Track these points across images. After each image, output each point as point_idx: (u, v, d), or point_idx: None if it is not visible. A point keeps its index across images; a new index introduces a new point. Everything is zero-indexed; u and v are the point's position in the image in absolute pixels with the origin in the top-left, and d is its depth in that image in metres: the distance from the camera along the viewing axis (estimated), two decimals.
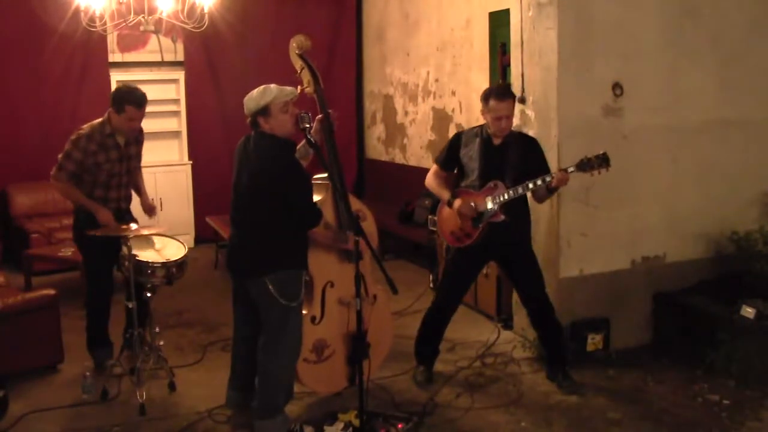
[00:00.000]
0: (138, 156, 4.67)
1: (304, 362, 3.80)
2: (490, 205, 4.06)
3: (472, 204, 4.07)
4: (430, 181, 4.34)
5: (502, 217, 4.07)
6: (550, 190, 4.05)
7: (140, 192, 4.75)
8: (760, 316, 4.30)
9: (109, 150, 4.42)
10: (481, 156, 4.13)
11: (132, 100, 4.35)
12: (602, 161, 3.95)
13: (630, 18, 4.68)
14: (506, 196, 4.03)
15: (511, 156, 4.11)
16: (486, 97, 4.08)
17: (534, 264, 4.27)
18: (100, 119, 4.46)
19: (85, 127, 4.44)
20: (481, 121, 4.22)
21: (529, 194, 4.13)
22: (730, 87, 5.00)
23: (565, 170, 3.98)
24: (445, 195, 4.22)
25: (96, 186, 4.44)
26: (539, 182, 3.98)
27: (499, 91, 4.12)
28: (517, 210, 4.15)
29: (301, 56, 3.99)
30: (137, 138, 4.63)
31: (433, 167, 4.37)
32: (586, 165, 3.97)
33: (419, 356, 4.45)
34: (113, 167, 4.45)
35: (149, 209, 4.66)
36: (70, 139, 4.39)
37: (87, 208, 4.42)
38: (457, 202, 4.11)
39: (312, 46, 4.01)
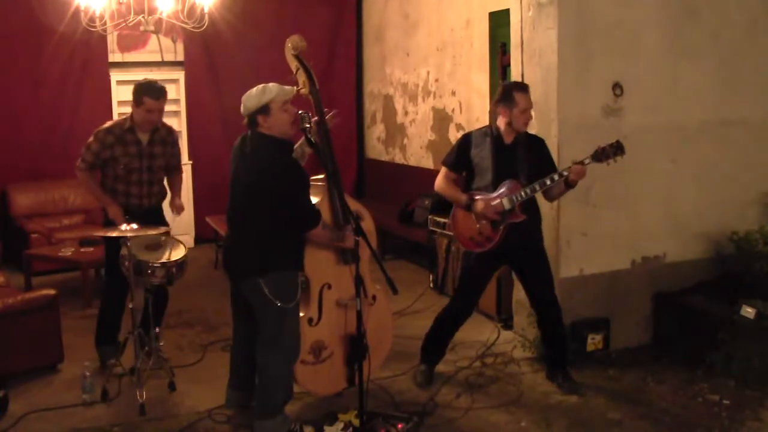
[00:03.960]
0: (165, 156, 4.67)
1: (302, 364, 3.80)
2: (507, 205, 4.02)
3: (494, 204, 4.03)
4: (442, 185, 4.24)
5: (523, 216, 4.04)
6: (568, 185, 4.02)
7: (174, 191, 4.85)
8: (760, 316, 4.30)
9: (128, 145, 4.48)
10: (494, 156, 4.10)
11: (149, 91, 4.43)
12: (617, 149, 3.96)
13: (630, 18, 4.68)
14: (523, 195, 4.00)
15: (522, 155, 4.09)
16: (508, 92, 4.05)
17: (546, 265, 4.25)
18: (125, 116, 4.59)
19: (110, 122, 4.61)
20: (482, 121, 4.22)
21: (539, 193, 4.12)
22: (730, 87, 5.00)
23: (582, 162, 3.96)
24: (463, 198, 4.14)
25: (117, 180, 4.54)
26: (556, 177, 3.97)
27: (519, 84, 4.17)
28: (531, 210, 4.14)
29: (296, 57, 3.98)
30: (164, 139, 4.65)
31: (443, 170, 4.27)
32: (601, 155, 3.96)
33: (425, 356, 4.43)
34: (131, 162, 4.50)
35: (176, 207, 4.76)
36: (93, 132, 4.53)
37: (100, 201, 4.58)
38: (480, 204, 4.05)
39: (309, 46, 4.01)
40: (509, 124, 4.08)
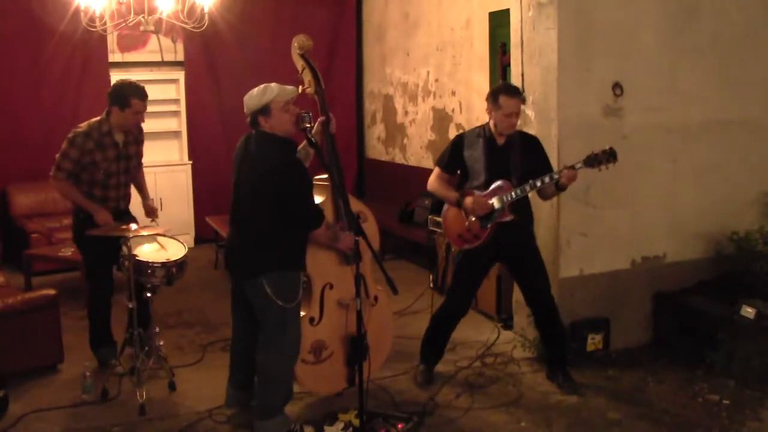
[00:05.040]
0: (138, 156, 4.67)
1: (302, 363, 3.80)
2: (497, 205, 4.03)
3: (484, 201, 4.04)
4: (434, 184, 4.26)
5: (511, 216, 4.05)
6: (559, 188, 4.04)
7: (142, 192, 4.76)
8: (760, 316, 4.30)
9: (107, 148, 4.42)
10: (486, 157, 4.11)
11: (137, 93, 4.39)
12: (609, 156, 3.95)
13: (630, 18, 4.68)
14: (513, 195, 4.01)
15: (515, 155, 4.10)
16: (495, 94, 4.06)
17: (540, 264, 4.26)
18: (97, 117, 4.47)
19: (83, 125, 4.46)
20: (482, 120, 4.22)
21: (533, 193, 4.12)
22: (730, 87, 5.00)
23: (573, 167, 3.97)
24: (453, 195, 4.16)
25: (94, 185, 4.45)
26: (546, 179, 3.97)
27: (509, 88, 4.13)
28: (522, 209, 4.14)
29: (302, 56, 3.98)
30: (136, 138, 4.63)
31: (436, 170, 4.30)
32: (593, 160, 3.97)
33: (424, 356, 4.43)
34: (110, 166, 4.45)
35: (150, 211, 4.68)
36: (67, 137, 4.41)
37: (85, 209, 4.44)
38: (468, 200, 4.07)
39: (313, 46, 4.01)
40: (496, 125, 4.09)
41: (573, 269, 4.71)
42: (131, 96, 4.36)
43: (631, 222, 4.83)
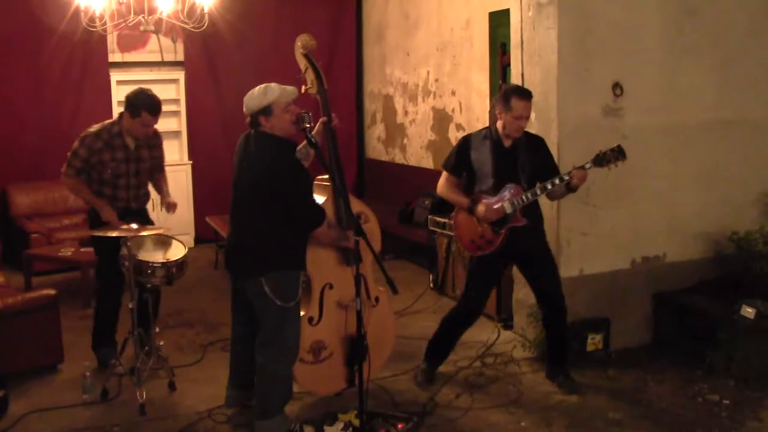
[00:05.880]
0: (153, 159, 4.66)
1: (300, 363, 3.79)
2: (509, 210, 4.00)
3: (496, 207, 4.01)
4: (444, 189, 4.23)
5: (524, 220, 4.02)
6: (570, 189, 4.01)
7: (162, 192, 4.77)
8: (760, 316, 4.30)
9: (116, 150, 4.45)
10: (494, 159, 4.08)
11: (148, 106, 4.38)
12: (618, 154, 3.93)
13: (630, 18, 4.68)
14: (524, 199, 3.98)
15: (522, 157, 4.07)
16: (506, 96, 4.01)
17: (551, 264, 4.24)
18: (111, 119, 4.53)
19: (96, 126, 4.52)
20: (482, 120, 4.21)
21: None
22: (730, 87, 5.00)
23: (582, 167, 3.94)
24: (465, 202, 4.13)
25: (103, 184, 4.49)
26: (557, 181, 3.95)
27: (521, 90, 4.08)
28: (533, 211, 4.12)
29: (306, 56, 3.97)
30: (151, 142, 4.63)
31: (444, 174, 4.26)
32: (602, 159, 3.94)
33: (429, 356, 4.42)
34: (119, 167, 4.47)
35: (169, 206, 4.68)
36: (79, 136, 4.47)
37: (92, 205, 4.51)
38: (481, 208, 4.04)
39: (316, 45, 4.00)
40: (504, 127, 4.08)
41: (573, 269, 4.71)
42: (142, 109, 4.37)
43: (631, 222, 4.83)
